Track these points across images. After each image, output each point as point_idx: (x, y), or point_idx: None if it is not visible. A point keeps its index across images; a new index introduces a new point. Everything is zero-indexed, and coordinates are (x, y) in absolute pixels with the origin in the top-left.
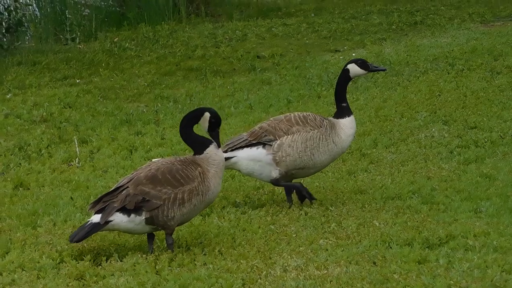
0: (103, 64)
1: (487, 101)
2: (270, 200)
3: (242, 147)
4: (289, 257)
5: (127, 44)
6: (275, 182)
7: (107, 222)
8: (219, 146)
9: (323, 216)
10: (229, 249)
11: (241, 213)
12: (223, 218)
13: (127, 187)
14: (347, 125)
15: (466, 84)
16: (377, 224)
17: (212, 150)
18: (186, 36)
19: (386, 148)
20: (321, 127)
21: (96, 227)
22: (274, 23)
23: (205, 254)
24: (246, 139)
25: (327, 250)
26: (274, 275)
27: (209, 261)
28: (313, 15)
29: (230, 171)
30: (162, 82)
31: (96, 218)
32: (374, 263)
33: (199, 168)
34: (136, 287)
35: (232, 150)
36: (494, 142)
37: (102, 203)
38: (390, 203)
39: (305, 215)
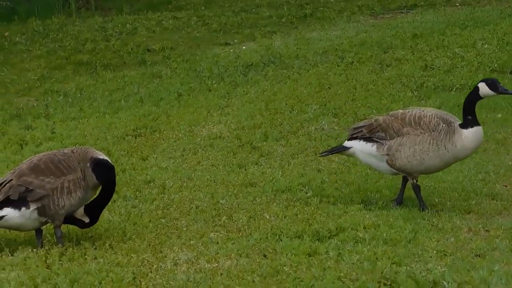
0: None
1: (377, 93)
2: (161, 194)
3: (358, 138)
4: (179, 250)
5: (18, 38)
6: (414, 188)
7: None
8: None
9: (214, 209)
10: (119, 243)
11: (132, 207)
12: (114, 212)
13: (11, 179)
14: (469, 137)
15: (355, 76)
16: (268, 217)
17: None
18: (76, 30)
19: (277, 141)
20: (434, 130)
21: None
22: (164, 16)
23: (95, 248)
24: (362, 131)
25: (217, 243)
26: (165, 268)
27: (100, 255)
28: (203, 8)
29: None
30: (52, 76)
31: None
32: (265, 256)
33: (81, 164)
34: (26, 281)
35: (350, 139)
36: None
37: None
38: (280, 196)
39: (196, 208)
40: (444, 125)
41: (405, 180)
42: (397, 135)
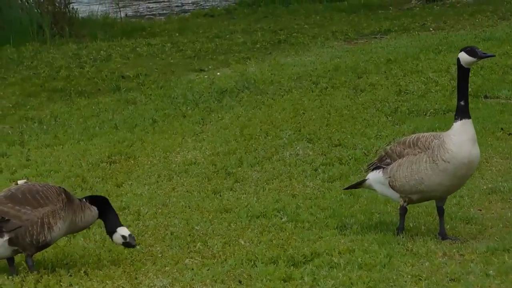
0: None
1: (351, 118)
2: (135, 221)
3: (373, 169)
4: (154, 277)
5: None
6: (401, 210)
7: None
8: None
9: (189, 235)
10: (94, 269)
11: (107, 234)
12: (89, 239)
13: None
14: (457, 132)
15: (330, 102)
16: (243, 242)
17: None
18: (51, 57)
19: (251, 166)
20: (429, 148)
21: None
22: (138, 43)
23: (70, 275)
24: (375, 161)
25: (192, 269)
26: None
27: (75, 282)
28: (177, 34)
29: None
30: (26, 103)
31: None
32: (240, 281)
33: (62, 195)
34: None
35: (368, 171)
36: (358, 159)
37: None
38: (255, 221)
39: (171, 234)
40: (436, 141)
41: (440, 213)
42: (398, 158)
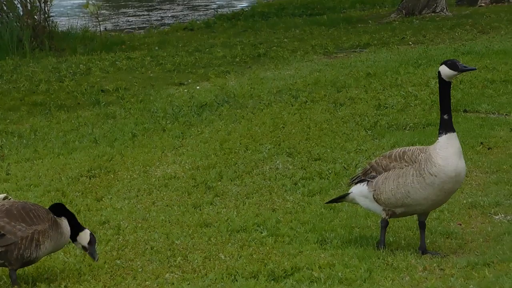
0: None
1: (331, 132)
2: (115, 235)
3: (356, 183)
4: None
5: None
6: (383, 223)
7: None
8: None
9: (169, 250)
10: (75, 284)
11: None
12: (69, 253)
13: None
14: (443, 146)
15: (309, 116)
16: (223, 257)
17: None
18: (30, 70)
19: (231, 180)
20: (415, 162)
21: None
22: (118, 56)
23: None
24: (359, 175)
25: (173, 284)
26: None
27: None
28: (156, 48)
29: None
30: (6, 117)
31: None
32: None
33: (50, 215)
34: None
35: (351, 185)
36: (338, 173)
37: None
38: (235, 236)
39: (151, 249)
40: (423, 154)
41: (422, 227)
42: (384, 171)
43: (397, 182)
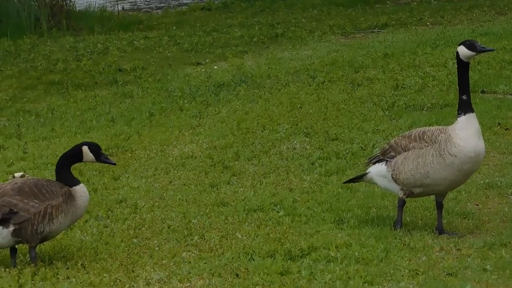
0: None
1: (348, 112)
2: (132, 214)
3: (374, 163)
4: (152, 270)
5: None
6: (400, 202)
7: None
8: (114, 164)
9: (186, 229)
10: (91, 262)
11: (104, 227)
12: (86, 232)
13: None
14: (463, 127)
15: (327, 96)
16: (240, 236)
17: (79, 189)
18: (48, 49)
19: (249, 160)
20: (435, 142)
21: None
22: (135, 36)
23: (67, 268)
24: (378, 155)
25: (190, 262)
26: None
27: (72, 275)
28: (174, 28)
29: None
30: (23, 96)
31: None
32: (237, 275)
33: (64, 189)
34: None
35: (369, 164)
36: (355, 153)
37: None
38: (252, 215)
39: (168, 228)
40: (443, 134)
41: (439, 208)
42: (403, 151)
43: (416, 162)
